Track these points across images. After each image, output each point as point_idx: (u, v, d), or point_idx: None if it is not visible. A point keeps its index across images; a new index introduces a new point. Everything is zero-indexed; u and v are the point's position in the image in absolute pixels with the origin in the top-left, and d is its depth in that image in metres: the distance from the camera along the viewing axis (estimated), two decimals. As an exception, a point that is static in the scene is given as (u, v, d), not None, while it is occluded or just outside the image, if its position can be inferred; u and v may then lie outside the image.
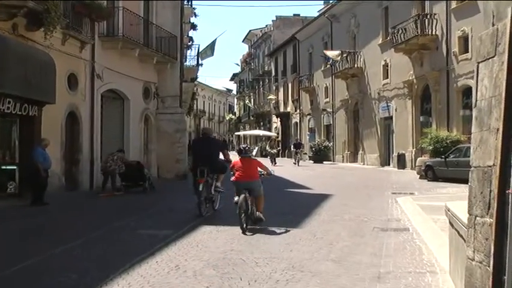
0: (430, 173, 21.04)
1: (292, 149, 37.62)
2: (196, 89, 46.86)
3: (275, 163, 34.04)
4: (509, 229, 3.67)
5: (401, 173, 25.42)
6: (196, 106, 64.01)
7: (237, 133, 70.91)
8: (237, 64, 79.82)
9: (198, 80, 47.39)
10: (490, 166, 4.03)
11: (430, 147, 23.03)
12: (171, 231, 9.26)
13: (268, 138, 53.74)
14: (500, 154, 3.79)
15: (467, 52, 22.78)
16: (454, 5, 24.05)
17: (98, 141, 19.07)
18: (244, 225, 9.27)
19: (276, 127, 56.36)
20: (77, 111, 17.73)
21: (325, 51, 37.39)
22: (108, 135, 20.22)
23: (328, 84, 40.53)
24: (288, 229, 9.54)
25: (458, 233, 5.29)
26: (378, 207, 12.98)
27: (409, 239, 8.67)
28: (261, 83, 63.91)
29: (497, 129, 3.90)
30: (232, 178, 10.06)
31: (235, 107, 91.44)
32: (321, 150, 39.12)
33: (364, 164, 33.40)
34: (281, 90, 54.29)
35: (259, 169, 10.23)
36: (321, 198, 14.75)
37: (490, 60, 4.19)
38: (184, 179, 22.88)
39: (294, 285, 5.99)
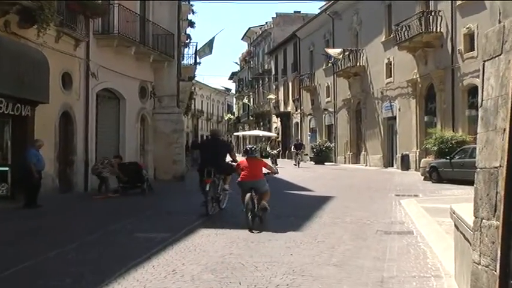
0: (434, 175, 21.04)
1: (292, 149, 37.63)
2: (194, 88, 46.89)
3: (276, 164, 34.02)
4: (516, 232, 3.67)
5: (405, 175, 25.42)
6: (194, 106, 64.07)
7: (236, 133, 70.95)
8: (236, 62, 79.93)
9: (195, 79, 47.40)
10: (496, 167, 4.02)
11: (435, 148, 23.02)
12: (168, 235, 9.26)
13: (268, 138, 53.76)
14: (507, 155, 3.79)
15: (473, 50, 22.79)
16: (459, 1, 24.05)
17: (92, 142, 19.07)
18: (251, 223, 9.75)
19: (276, 127, 56.36)
20: (71, 111, 17.72)
21: (326, 49, 37.43)
22: (103, 136, 20.22)
23: (329, 83, 40.54)
24: (288, 232, 9.54)
25: (464, 236, 5.29)
26: (381, 209, 12.98)
27: (413, 243, 8.67)
28: (260, 82, 63.93)
29: (504, 130, 3.90)
30: (238, 179, 10.60)
31: (234, 106, 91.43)
32: (322, 151, 39.12)
33: (366, 165, 33.40)
34: (281, 89, 54.31)
35: (264, 169, 10.78)
36: (322, 200, 14.76)
37: (497, 58, 4.19)
38: (182, 180, 22.89)
39: (295, 290, 5.98)
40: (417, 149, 27.29)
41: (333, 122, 40.19)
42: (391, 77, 30.84)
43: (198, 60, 33.55)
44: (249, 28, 69.44)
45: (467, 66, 23.13)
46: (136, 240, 9.02)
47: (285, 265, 7.05)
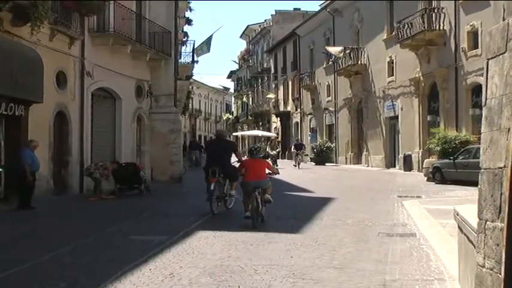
0: (438, 175, 21.05)
1: (292, 150, 37.63)
2: (192, 87, 46.84)
3: (276, 165, 34.01)
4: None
5: (407, 175, 25.44)
6: (192, 105, 64.08)
7: (234, 133, 70.93)
8: (235, 61, 79.92)
9: (193, 77, 47.35)
10: (500, 168, 4.02)
11: (438, 148, 23.04)
12: (165, 237, 9.26)
13: (268, 138, 53.75)
14: (512, 155, 3.79)
15: (477, 48, 22.81)
16: (462, -2, 24.09)
17: (88, 142, 19.05)
18: (255, 222, 10.49)
19: (275, 127, 56.36)
20: (66, 110, 17.71)
21: (327, 47, 37.45)
22: (99, 136, 20.21)
23: (330, 82, 40.56)
24: (288, 234, 9.55)
25: (468, 238, 5.29)
26: (383, 211, 12.99)
27: (416, 245, 8.68)
28: (259, 80, 63.93)
29: (508, 129, 3.91)
30: (242, 179, 11.21)
31: (233, 106, 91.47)
32: (323, 151, 39.14)
33: (368, 166, 33.42)
34: (281, 88, 54.33)
35: (266, 170, 11.33)
36: (323, 201, 14.77)
37: (501, 56, 4.19)
38: (180, 181, 22.89)
39: (295, 293, 5.99)
40: (420, 149, 27.31)
41: (334, 122, 40.20)
42: (393, 75, 30.85)
43: (195, 58, 33.55)
44: (248, 26, 69.46)
45: (471, 65, 23.15)
46: (133, 242, 9.02)
47: (284, 268, 7.05)
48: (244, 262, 7.40)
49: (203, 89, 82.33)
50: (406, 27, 26.84)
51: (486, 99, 4.46)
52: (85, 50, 18.70)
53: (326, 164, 37.74)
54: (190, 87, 38.12)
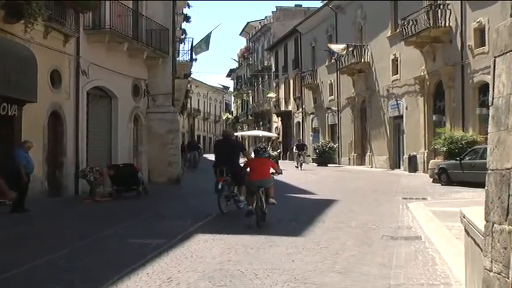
0: (443, 177, 21.06)
1: (294, 150, 37.61)
2: (190, 86, 46.90)
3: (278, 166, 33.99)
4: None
5: (412, 177, 25.44)
6: (190, 104, 64.12)
7: (234, 134, 70.81)
8: (234, 59, 79.86)
9: (191, 76, 47.36)
10: (508, 169, 4.03)
11: (444, 149, 23.05)
12: (163, 240, 9.26)
13: (269, 139, 53.74)
14: (520, 156, 3.79)
15: (484, 45, 22.80)
16: (469, -6, 24.09)
17: (83, 143, 19.07)
18: (259, 220, 10.94)
19: (276, 127, 56.36)
20: (60, 110, 17.73)
21: (329, 45, 37.42)
22: (95, 137, 20.23)
23: (332, 81, 40.56)
24: (289, 237, 9.56)
25: (475, 241, 5.29)
26: (387, 213, 12.99)
27: (422, 248, 8.68)
28: (260, 79, 63.94)
29: (516, 129, 3.91)
30: (247, 179, 11.67)
31: (233, 105, 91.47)
32: (325, 152, 39.15)
33: (372, 167, 33.42)
34: (282, 87, 54.34)
35: (271, 169, 11.79)
36: (326, 204, 14.77)
37: (508, 54, 4.19)
38: (178, 183, 22.90)
39: (297, 298, 5.99)
40: (425, 149, 27.30)
41: (337, 122, 40.19)
42: (397, 73, 30.85)
43: (194, 56, 33.53)
44: (248, 23, 69.46)
45: (478, 63, 23.15)
46: (130, 246, 9.02)
47: (286, 272, 7.05)
48: (244, 266, 7.40)
49: (202, 88, 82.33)
50: (410, 24, 26.83)
51: (493, 98, 4.46)
52: (80, 47, 18.72)
53: (328, 165, 37.74)
54: (188, 86, 38.15)
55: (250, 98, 69.55)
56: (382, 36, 32.56)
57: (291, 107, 51.36)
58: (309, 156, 40.39)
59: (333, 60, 38.75)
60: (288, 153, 48.40)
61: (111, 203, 16.08)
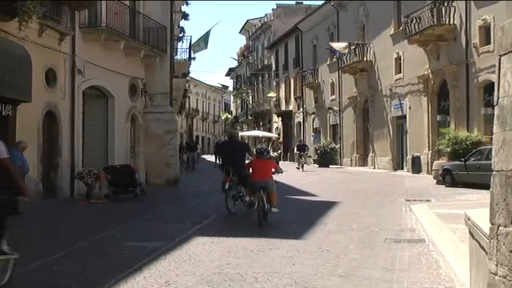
0: (448, 178, 21.05)
1: (295, 151, 37.57)
2: (189, 86, 46.99)
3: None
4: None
5: (416, 178, 25.44)
6: (189, 104, 64.10)
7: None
8: (234, 58, 79.90)
9: (190, 75, 47.40)
10: (514, 170, 4.03)
11: (448, 149, 23.04)
12: (161, 243, 9.28)
13: (269, 139, 53.76)
14: (526, 157, 3.79)
15: (489, 44, 22.81)
16: (474, -9, 24.10)
17: (79, 143, 19.07)
18: (261, 220, 11.33)
19: (276, 127, 56.36)
20: (55, 110, 17.72)
21: (331, 43, 37.44)
22: (91, 137, 20.23)
23: (334, 80, 40.56)
24: (290, 240, 9.56)
25: (480, 244, 5.29)
26: (390, 215, 13.00)
27: (425, 251, 8.68)
28: (260, 78, 63.95)
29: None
30: (249, 179, 12.18)
31: (232, 105, 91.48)
32: (327, 152, 39.13)
33: (374, 168, 33.42)
34: (282, 86, 54.34)
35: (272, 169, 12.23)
36: (327, 206, 14.78)
37: (514, 52, 4.19)
38: (176, 185, 22.90)
39: (297, 302, 5.99)
40: (429, 150, 27.31)
41: (338, 122, 40.19)
42: (400, 72, 30.85)
43: (192, 55, 33.63)
44: (248, 20, 69.48)
45: (483, 61, 23.15)
46: (127, 249, 9.02)
47: (286, 276, 7.06)
48: (243, 270, 7.40)
49: (200, 87, 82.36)
50: (414, 22, 26.83)
51: (498, 98, 4.46)
52: (76, 46, 18.71)
53: (330, 166, 37.73)
54: (186, 85, 38.19)
55: (250, 97, 69.55)
56: (384, 34, 32.56)
57: (292, 106, 51.37)
58: (310, 157, 40.38)
59: (334, 59, 38.75)
60: (289, 154, 48.40)
61: (107, 205, 16.07)
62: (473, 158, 20.03)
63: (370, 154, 34.87)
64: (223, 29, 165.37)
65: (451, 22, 25.33)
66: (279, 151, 48.38)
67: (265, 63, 60.56)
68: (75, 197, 17.96)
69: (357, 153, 36.79)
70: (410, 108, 29.70)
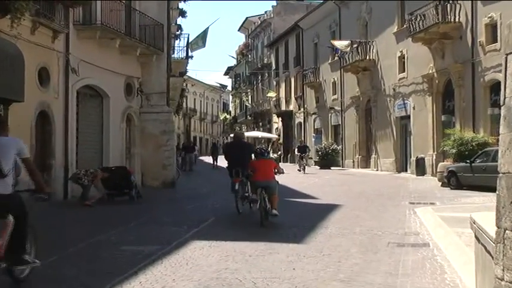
0: (453, 180, 21.06)
1: (296, 153, 37.55)
2: (186, 85, 46.89)
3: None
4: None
5: (420, 180, 25.45)
6: (186, 104, 64.13)
7: (232, 135, 70.92)
8: (232, 56, 79.96)
9: (187, 74, 47.42)
10: (521, 172, 4.03)
11: (453, 151, 23.06)
12: (157, 247, 9.28)
13: (269, 140, 53.77)
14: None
15: (496, 42, 22.83)
16: (480, -12, 24.12)
17: (73, 144, 19.06)
18: (264, 220, 11.75)
19: (277, 128, 56.37)
20: (49, 110, 17.72)
21: (332, 41, 37.47)
22: (85, 138, 20.22)
23: (336, 79, 40.58)
24: (290, 244, 9.57)
25: (486, 248, 5.29)
26: (394, 219, 13.01)
27: (430, 256, 8.68)
28: (259, 77, 63.97)
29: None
30: (251, 179, 12.66)
31: (231, 105, 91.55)
32: (328, 154, 39.12)
33: (377, 170, 33.43)
34: (282, 85, 54.36)
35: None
36: (329, 209, 14.79)
37: (521, 51, 4.19)
38: (172, 187, 22.89)
39: (298, 308, 5.99)
40: (434, 151, 27.32)
41: (340, 122, 40.22)
42: (404, 71, 30.88)
43: (190, 53, 33.60)
44: (247, 18, 69.51)
45: (489, 60, 23.17)
46: (122, 253, 9.02)
47: (286, 281, 7.06)
48: (242, 274, 7.40)
49: (198, 87, 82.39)
50: (418, 20, 26.85)
51: (505, 97, 4.46)
52: (70, 44, 18.70)
53: (332, 167, 37.73)
54: (184, 84, 38.12)
55: (250, 97, 69.55)
56: (388, 32, 32.59)
57: (292, 106, 51.38)
58: (311, 158, 40.38)
59: (336, 58, 38.76)
60: (289, 155, 48.39)
61: (102, 207, 16.06)
62: (479, 159, 20.04)
63: (373, 155, 34.88)
64: (221, 26, 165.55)
65: (457, 20, 25.34)
66: (279, 152, 48.40)
67: (265, 61, 60.58)
68: (69, 199, 17.95)
69: (359, 155, 36.80)
70: (414, 108, 29.72)
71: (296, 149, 37.80)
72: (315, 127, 45.74)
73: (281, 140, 53.26)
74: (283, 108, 53.58)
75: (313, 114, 45.91)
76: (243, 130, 68.04)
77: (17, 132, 15.31)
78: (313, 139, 44.57)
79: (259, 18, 64.46)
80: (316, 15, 44.15)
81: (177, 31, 34.79)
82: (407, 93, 30.48)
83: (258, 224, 11.81)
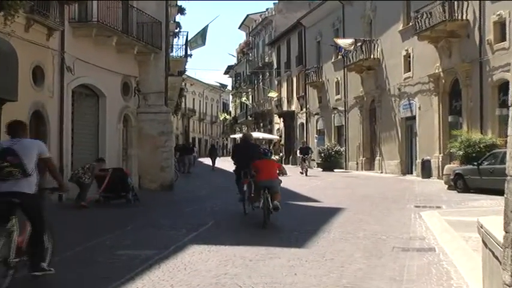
0: (460, 183, 21.05)
1: (298, 154, 37.53)
2: (185, 84, 47.01)
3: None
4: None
5: (426, 183, 25.44)
6: (185, 104, 64.19)
7: (232, 136, 70.99)
8: (233, 55, 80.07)
9: (186, 73, 47.43)
10: (529, 175, 4.03)
11: (460, 153, 23.05)
12: (154, 252, 9.27)
13: (270, 142, 53.80)
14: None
15: (504, 40, 22.85)
16: (488, -15, 24.13)
17: (68, 145, 19.07)
18: (267, 220, 12.16)
19: (278, 129, 56.40)
20: (43, 110, 17.72)
21: (335, 40, 37.45)
22: (81, 139, 20.22)
23: (339, 79, 40.60)
24: (292, 249, 9.57)
25: (493, 253, 5.29)
26: (399, 223, 13.00)
27: (435, 261, 8.68)
28: (260, 77, 64.03)
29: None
30: (255, 179, 13.11)
31: (231, 105, 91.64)
32: (331, 156, 39.14)
33: (382, 172, 33.43)
34: (284, 85, 54.39)
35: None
36: (331, 212, 14.79)
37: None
38: (171, 189, 22.89)
39: (299, 315, 5.99)
40: (440, 153, 27.32)
41: (344, 123, 40.23)
42: (410, 71, 30.89)
43: (189, 52, 33.58)
44: (248, 15, 69.61)
45: (498, 59, 23.17)
46: (119, 257, 9.02)
47: (287, 287, 7.06)
48: (242, 280, 7.40)
49: (197, 86, 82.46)
50: (424, 17, 26.87)
51: (513, 97, 4.47)
52: (65, 42, 18.71)
53: (335, 170, 37.74)
54: (183, 84, 38.18)
55: (250, 97, 69.58)
56: (393, 30, 32.60)
57: (294, 107, 51.41)
58: (314, 160, 40.38)
59: (339, 57, 38.80)
60: (291, 157, 48.40)
61: (98, 210, 16.08)
62: (487, 161, 20.03)
63: (377, 157, 34.88)
64: (221, 24, 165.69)
65: (464, 17, 25.35)
66: (281, 154, 48.42)
67: (266, 60, 60.63)
68: (63, 201, 17.94)
69: (363, 157, 36.81)
70: (420, 108, 29.72)
71: (298, 151, 37.78)
72: (318, 128, 45.76)
73: (282, 142, 53.30)
74: (285, 108, 53.60)
75: (315, 114, 45.93)
76: (245, 131, 68.19)
77: (11, 133, 15.34)
78: (315, 140, 44.60)
79: (261, 15, 64.53)
80: (319, 13, 44.17)
81: (176, 29, 34.82)
82: (412, 93, 30.49)
83: (258, 228, 11.85)
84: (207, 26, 33.37)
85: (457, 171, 21.54)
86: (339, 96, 40.90)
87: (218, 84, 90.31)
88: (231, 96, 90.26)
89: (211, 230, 11.97)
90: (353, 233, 11.47)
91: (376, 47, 34.52)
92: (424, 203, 17.05)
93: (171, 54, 28.98)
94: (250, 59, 69.21)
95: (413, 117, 30.64)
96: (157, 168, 23.38)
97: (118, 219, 14.32)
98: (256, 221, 12.67)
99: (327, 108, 43.02)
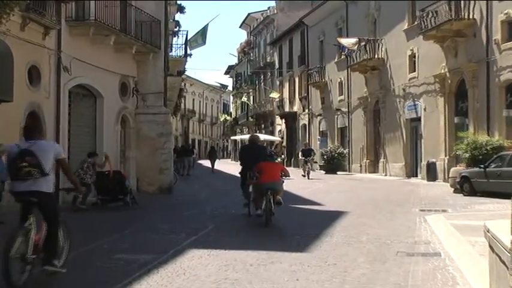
0: (466, 186, 21.04)
1: (300, 157, 37.51)
2: (184, 85, 47.05)
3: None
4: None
5: (431, 186, 25.44)
6: (184, 105, 64.32)
7: (233, 137, 71.06)
8: (233, 54, 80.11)
9: (186, 73, 47.49)
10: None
11: (467, 155, 23.03)
12: (153, 256, 9.28)
13: (271, 143, 53.79)
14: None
15: (512, 40, 22.85)
16: (495, -17, 24.12)
17: (64, 146, 19.03)
18: (268, 221, 12.61)
19: (280, 130, 56.41)
20: (39, 110, 17.73)
21: (339, 39, 37.44)
22: (77, 140, 20.23)
23: (342, 79, 40.61)
24: (294, 253, 9.57)
25: (500, 258, 5.28)
26: (403, 227, 12.99)
27: (441, 266, 8.68)
28: (262, 77, 64.05)
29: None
30: (258, 181, 13.35)
31: (231, 105, 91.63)
32: (334, 158, 39.12)
33: (386, 175, 33.42)
34: (286, 85, 54.40)
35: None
36: (334, 216, 14.79)
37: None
38: (169, 192, 22.89)
39: (301, 321, 5.99)
40: (446, 155, 27.30)
41: (347, 124, 40.23)
42: (415, 71, 30.89)
43: (188, 51, 33.62)
44: (249, 14, 69.64)
45: (505, 59, 23.17)
46: (116, 262, 9.03)
47: (289, 292, 7.06)
48: (243, 285, 7.41)
49: (197, 87, 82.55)
50: (430, 16, 26.86)
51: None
52: (62, 41, 18.73)
53: (338, 172, 37.75)
54: (182, 84, 38.22)
55: (251, 97, 69.59)
56: (398, 29, 32.61)
57: (296, 107, 51.43)
58: (316, 162, 40.36)
59: (343, 56, 38.78)
60: (293, 159, 48.40)
61: (96, 214, 16.10)
62: (493, 164, 20.02)
63: (382, 160, 34.87)
64: (222, 23, 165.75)
65: (471, 16, 25.34)
66: (283, 156, 48.39)
67: (268, 60, 60.62)
68: (60, 204, 17.94)
69: (367, 159, 36.81)
70: (425, 109, 29.71)
71: (300, 153, 37.71)
72: (320, 129, 45.76)
73: (284, 143, 53.27)
74: (287, 109, 53.62)
75: (318, 115, 45.92)
76: (245, 132, 68.20)
77: (5, 134, 15.36)
78: (318, 142, 44.60)
79: (262, 14, 64.57)
80: (322, 12, 44.19)
81: (175, 28, 34.87)
82: (417, 94, 30.48)
83: (259, 232, 11.83)
84: (207, 24, 33.34)
85: (463, 174, 21.53)
86: (342, 97, 40.91)
87: (218, 85, 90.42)
88: (231, 97, 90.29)
89: (211, 234, 11.97)
90: (356, 237, 11.47)
91: (380, 46, 34.52)
92: (430, 207, 17.04)
93: (170, 53, 29.01)
94: (252, 58, 69.23)
95: (419, 119, 30.63)
96: (156, 170, 23.38)
97: (116, 222, 14.35)
98: (258, 225, 12.68)
99: (330, 109, 43.02)
